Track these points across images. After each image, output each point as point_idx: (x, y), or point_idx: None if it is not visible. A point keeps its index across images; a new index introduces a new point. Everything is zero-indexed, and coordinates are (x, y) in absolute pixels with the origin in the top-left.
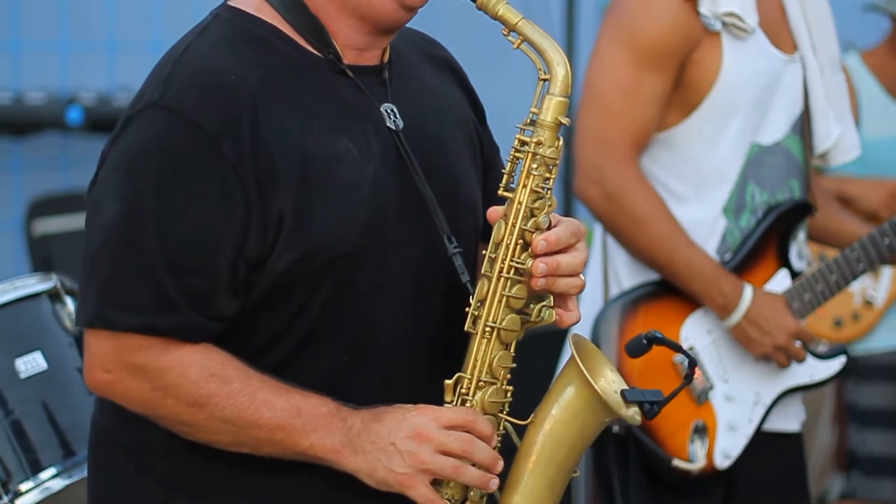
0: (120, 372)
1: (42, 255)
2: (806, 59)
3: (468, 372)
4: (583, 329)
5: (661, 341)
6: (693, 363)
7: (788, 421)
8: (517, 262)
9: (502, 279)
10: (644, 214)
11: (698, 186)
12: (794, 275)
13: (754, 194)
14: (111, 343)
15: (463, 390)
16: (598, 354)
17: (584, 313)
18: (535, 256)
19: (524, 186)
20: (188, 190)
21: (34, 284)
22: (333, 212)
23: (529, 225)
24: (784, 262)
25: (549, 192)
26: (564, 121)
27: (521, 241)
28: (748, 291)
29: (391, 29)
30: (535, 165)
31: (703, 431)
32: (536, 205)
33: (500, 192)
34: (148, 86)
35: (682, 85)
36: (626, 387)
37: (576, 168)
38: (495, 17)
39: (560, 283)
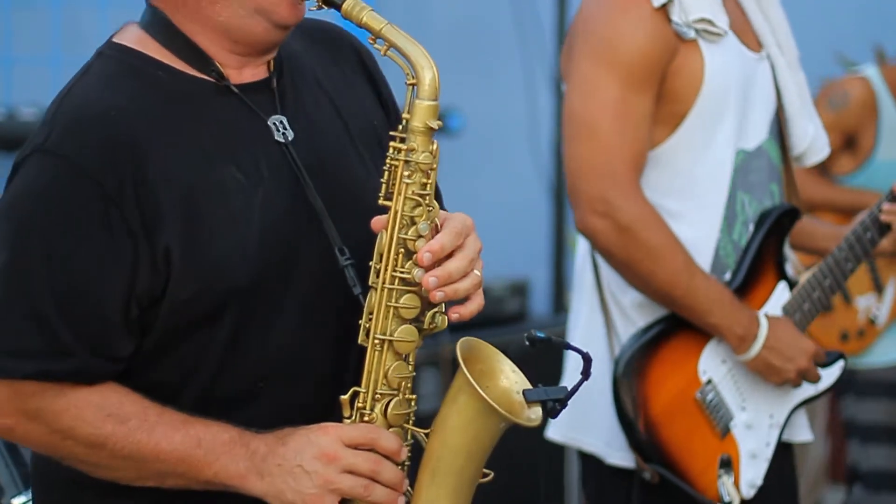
0: (17, 416)
1: None
2: (773, 56)
3: (364, 385)
4: (598, 369)
5: (547, 341)
6: (587, 360)
7: (795, 431)
8: (401, 272)
9: (387, 290)
10: (659, 245)
11: (693, 202)
12: (791, 285)
13: (744, 203)
14: (7, 390)
15: (360, 404)
16: (495, 355)
17: (586, 347)
18: (424, 269)
19: (399, 195)
20: (73, 233)
21: None
22: (223, 246)
23: (410, 233)
24: (782, 273)
25: (428, 197)
26: (434, 125)
27: (402, 249)
28: (763, 320)
29: (268, 48)
30: (407, 173)
31: (728, 465)
32: (416, 212)
33: (379, 201)
34: (37, 130)
35: (665, 97)
36: (528, 386)
37: (575, 202)
38: (360, 25)
39: (459, 288)
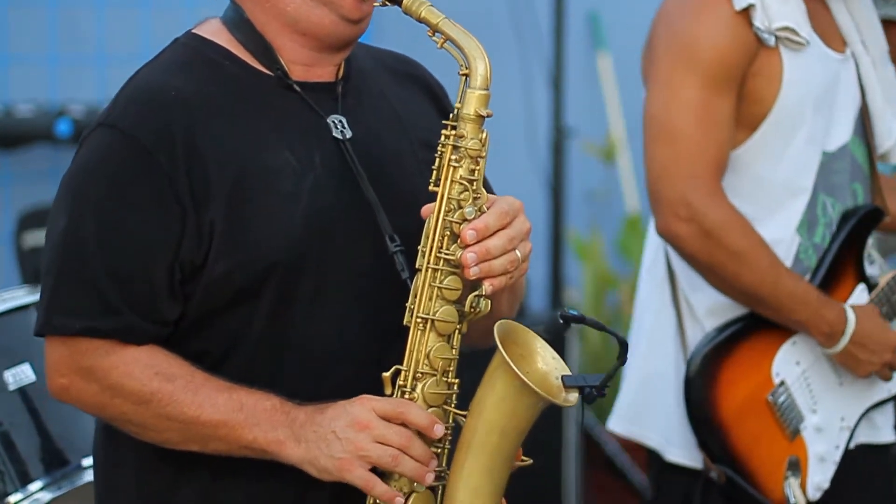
0: (73, 376)
1: (31, 268)
2: (858, 55)
3: (405, 364)
4: (663, 366)
5: (580, 319)
6: (623, 345)
7: (877, 432)
8: (445, 254)
9: (430, 270)
10: (745, 248)
11: (769, 206)
12: (870, 286)
13: (826, 206)
14: (63, 349)
15: (401, 383)
16: (535, 340)
17: (654, 342)
18: (465, 247)
19: (447, 179)
20: (126, 201)
21: (23, 296)
22: (267, 223)
23: (455, 216)
24: (861, 275)
25: (475, 183)
26: (485, 113)
27: (447, 232)
28: (851, 314)
29: (336, 44)
30: (455, 157)
31: (796, 467)
32: (462, 196)
33: (430, 187)
34: (105, 108)
35: (744, 99)
36: (567, 372)
37: (657, 207)
38: (419, 20)
39: (496, 265)
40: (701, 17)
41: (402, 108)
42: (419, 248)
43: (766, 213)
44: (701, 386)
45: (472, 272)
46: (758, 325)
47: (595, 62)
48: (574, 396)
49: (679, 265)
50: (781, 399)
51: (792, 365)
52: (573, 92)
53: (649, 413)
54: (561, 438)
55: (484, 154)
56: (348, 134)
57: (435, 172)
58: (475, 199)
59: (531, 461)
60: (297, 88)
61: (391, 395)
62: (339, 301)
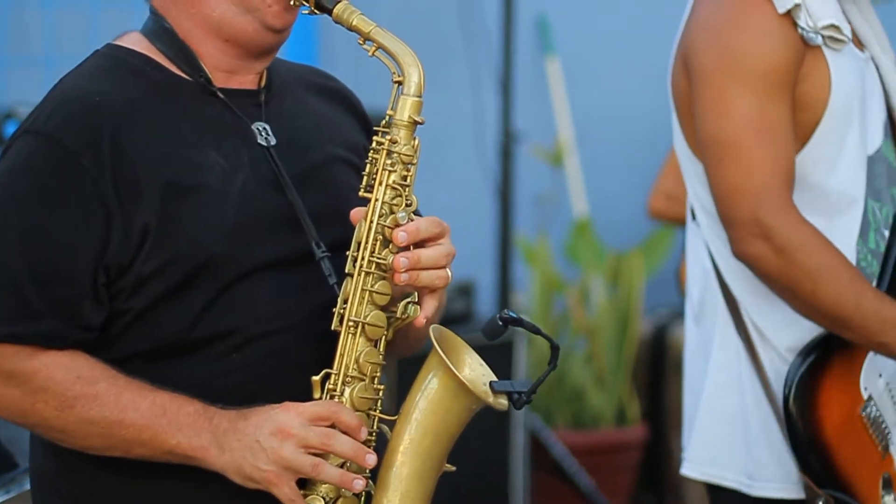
0: None
1: None
2: (877, 56)
3: (335, 368)
4: (740, 407)
5: (518, 322)
6: (556, 349)
7: None
8: (378, 258)
9: (363, 274)
10: (821, 265)
11: (829, 216)
12: None
13: (874, 211)
14: None
15: (330, 386)
16: (463, 347)
17: (726, 386)
18: (396, 251)
19: (381, 183)
20: (49, 204)
21: None
22: (199, 219)
23: (388, 221)
24: None
25: (408, 189)
26: (419, 119)
27: (380, 236)
28: None
29: (258, 51)
30: (389, 162)
31: (889, 485)
32: (395, 201)
33: (360, 193)
34: (28, 115)
35: (795, 105)
36: (494, 379)
37: (730, 229)
38: (350, 28)
39: (423, 276)
40: (746, 26)
41: (323, 118)
42: (349, 253)
43: (827, 224)
44: (801, 412)
45: (402, 278)
46: (840, 341)
47: (544, 67)
48: (504, 401)
49: (742, 291)
50: (872, 413)
51: (875, 377)
52: (522, 96)
53: (728, 452)
54: (507, 442)
55: (416, 161)
56: (273, 141)
57: (366, 178)
58: (407, 204)
59: (454, 468)
60: (221, 95)
61: (320, 398)
62: (269, 300)
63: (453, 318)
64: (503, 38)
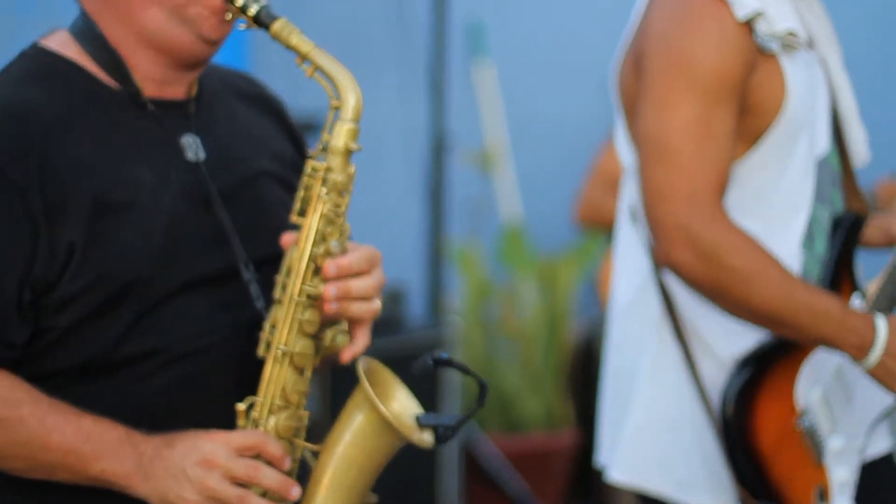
0: None
1: None
2: (826, 55)
3: (261, 396)
4: (676, 414)
5: (448, 363)
6: (484, 388)
7: (873, 444)
8: (309, 287)
9: (294, 303)
10: (751, 267)
11: (772, 221)
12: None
13: (820, 215)
14: None
15: (255, 414)
16: (392, 380)
17: (661, 393)
18: (326, 281)
19: (315, 212)
20: None
21: None
22: (126, 239)
23: (321, 251)
24: (855, 284)
25: (341, 218)
26: (354, 147)
27: (312, 265)
28: (881, 322)
29: (191, 63)
30: (325, 190)
31: (824, 497)
32: (328, 230)
33: (292, 218)
34: None
35: (746, 112)
36: (421, 412)
37: (654, 232)
38: (289, 47)
39: (352, 307)
40: (700, 31)
41: (252, 129)
42: (279, 277)
43: (770, 229)
44: (738, 423)
45: (332, 307)
46: (780, 350)
47: (476, 71)
48: (429, 437)
49: (684, 298)
50: (807, 424)
51: (811, 388)
52: (454, 101)
53: (661, 459)
54: (436, 450)
55: (350, 189)
56: (202, 155)
57: (299, 203)
58: (340, 233)
59: (377, 499)
60: (151, 106)
61: (244, 426)
62: (195, 321)
63: (383, 324)
64: (434, 43)
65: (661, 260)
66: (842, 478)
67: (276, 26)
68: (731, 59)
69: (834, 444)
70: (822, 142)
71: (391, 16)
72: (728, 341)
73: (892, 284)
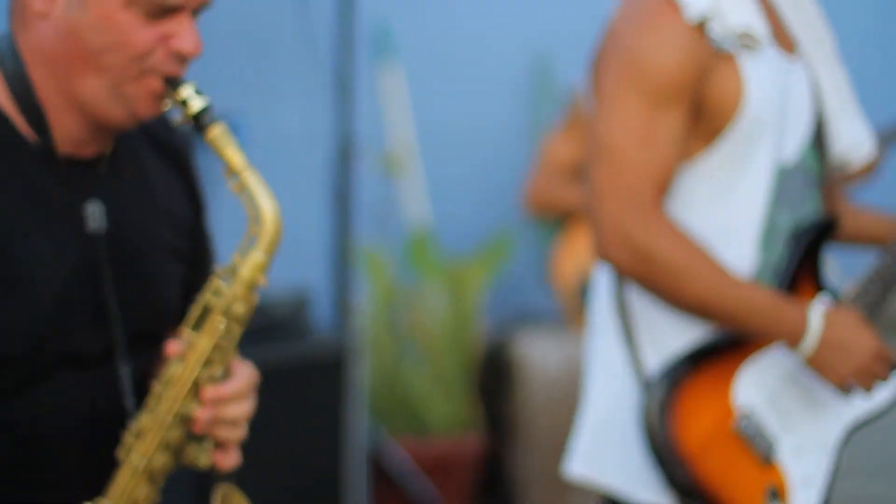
0: None
1: None
2: (809, 55)
3: (110, 500)
4: (621, 407)
5: None
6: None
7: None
8: (183, 408)
9: (167, 420)
10: (681, 262)
11: (727, 221)
12: (835, 296)
13: (781, 221)
14: None
15: None
16: None
17: (609, 384)
18: (202, 404)
19: (210, 337)
20: None
21: None
22: (7, 316)
23: (206, 375)
24: (820, 287)
25: (233, 344)
26: (262, 281)
27: (193, 387)
28: (816, 311)
29: (116, 132)
30: (224, 322)
31: (777, 496)
32: (216, 356)
33: (185, 328)
34: None
35: (702, 113)
36: None
37: (597, 230)
38: (221, 156)
39: (221, 431)
40: (649, 32)
41: (157, 189)
42: (157, 385)
43: (725, 228)
44: (661, 420)
45: (201, 428)
46: (718, 347)
47: (383, 74)
48: None
49: (631, 289)
50: (746, 425)
51: (753, 388)
52: (361, 103)
53: (610, 454)
54: (338, 453)
55: (247, 321)
56: (103, 227)
57: (194, 319)
58: (228, 360)
59: None
60: (63, 166)
61: None
62: (62, 403)
63: (288, 329)
64: (339, 46)
65: (601, 256)
66: (806, 471)
67: (214, 133)
68: (680, 61)
69: (789, 443)
70: (792, 145)
71: (296, 16)
72: (676, 337)
73: (874, 291)
